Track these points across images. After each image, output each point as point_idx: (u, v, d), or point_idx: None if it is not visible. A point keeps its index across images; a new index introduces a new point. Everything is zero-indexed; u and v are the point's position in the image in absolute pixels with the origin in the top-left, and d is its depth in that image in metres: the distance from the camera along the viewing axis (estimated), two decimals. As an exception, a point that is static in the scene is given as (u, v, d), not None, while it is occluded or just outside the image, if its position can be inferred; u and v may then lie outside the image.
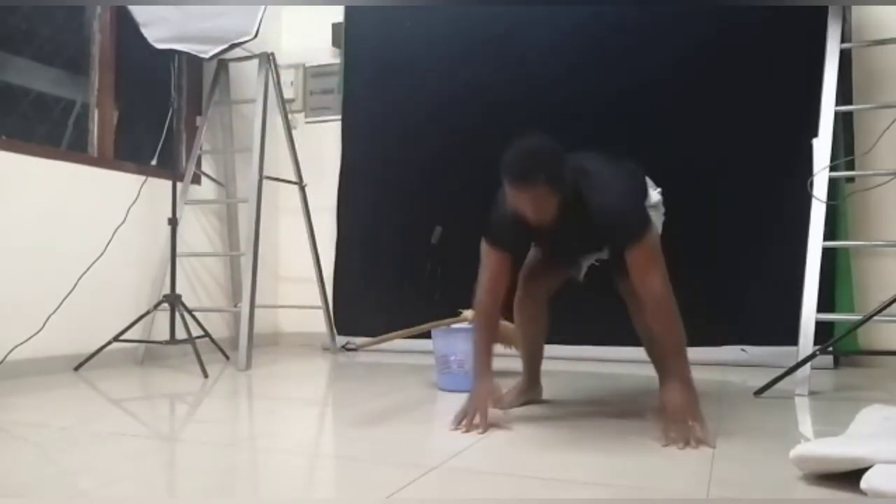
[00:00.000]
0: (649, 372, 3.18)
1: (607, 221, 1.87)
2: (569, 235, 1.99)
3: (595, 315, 3.45)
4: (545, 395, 2.42)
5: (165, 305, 3.23)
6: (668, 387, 1.91)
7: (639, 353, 3.34)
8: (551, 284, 2.30)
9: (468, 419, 1.94)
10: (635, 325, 2.20)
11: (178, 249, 3.31)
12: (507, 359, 3.20)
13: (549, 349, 3.43)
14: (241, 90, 3.99)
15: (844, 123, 3.17)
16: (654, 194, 2.18)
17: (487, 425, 1.93)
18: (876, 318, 2.46)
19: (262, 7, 3.34)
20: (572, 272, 2.32)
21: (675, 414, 1.80)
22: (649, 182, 2.20)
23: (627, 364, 3.33)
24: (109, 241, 3.22)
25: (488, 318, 2.08)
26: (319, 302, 3.86)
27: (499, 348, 2.99)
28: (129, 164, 3.44)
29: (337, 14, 4.19)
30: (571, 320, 3.45)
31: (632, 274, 1.88)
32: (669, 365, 1.94)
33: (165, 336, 3.23)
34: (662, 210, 2.22)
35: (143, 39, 3.23)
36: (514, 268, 2.12)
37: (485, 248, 2.05)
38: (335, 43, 4.25)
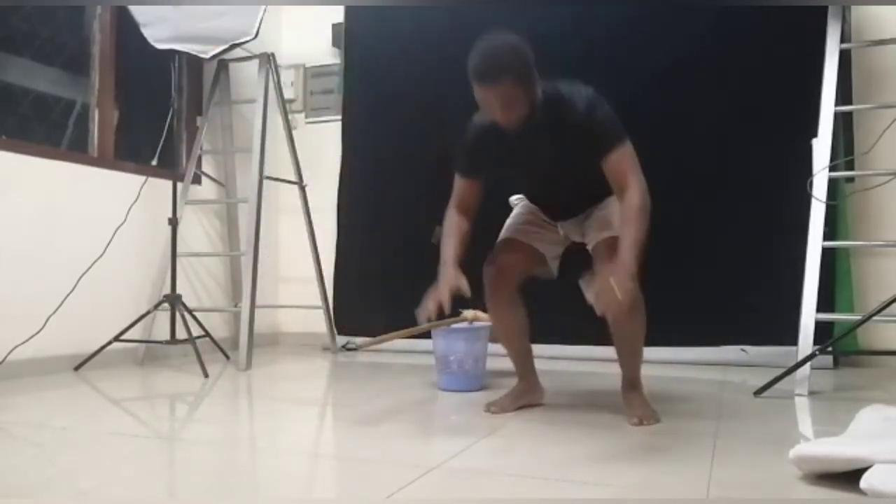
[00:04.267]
0: (649, 371, 3.18)
1: (584, 123, 1.84)
2: (541, 151, 1.94)
3: (594, 315, 3.45)
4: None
5: (166, 305, 3.23)
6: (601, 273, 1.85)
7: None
8: (518, 277, 2.17)
9: (431, 306, 1.88)
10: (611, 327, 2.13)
11: (179, 249, 3.31)
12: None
13: (549, 349, 3.46)
14: (242, 90, 3.99)
15: (844, 123, 3.17)
16: None
17: (448, 305, 1.89)
18: (875, 318, 2.46)
19: (262, 7, 3.34)
20: (543, 268, 2.24)
21: (604, 277, 1.75)
22: None
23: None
24: (109, 241, 3.22)
25: (456, 224, 2.06)
26: (319, 302, 3.86)
27: (499, 348, 3.01)
28: (130, 164, 3.44)
29: (337, 14, 4.19)
30: (571, 320, 3.46)
31: (612, 182, 1.89)
32: (621, 250, 1.83)
33: (166, 336, 3.23)
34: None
35: (143, 39, 3.23)
36: (483, 195, 2.08)
37: (455, 180, 2.06)
38: (335, 43, 4.25)
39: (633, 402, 2.13)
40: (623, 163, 1.87)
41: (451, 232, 2.08)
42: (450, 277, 1.94)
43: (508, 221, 2.27)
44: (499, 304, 2.17)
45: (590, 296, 1.76)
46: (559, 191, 2.12)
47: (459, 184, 2.08)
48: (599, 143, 1.86)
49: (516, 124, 1.85)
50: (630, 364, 2.21)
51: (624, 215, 1.88)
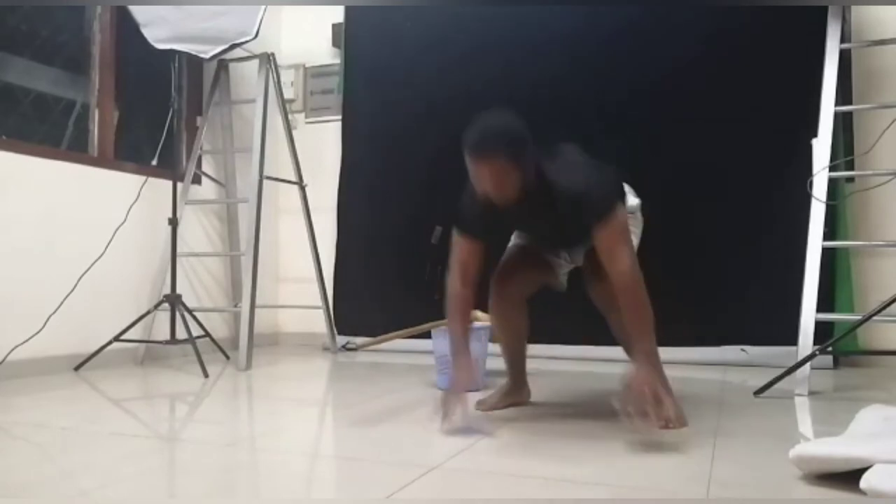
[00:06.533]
0: (649, 372, 3.16)
1: (573, 199, 1.83)
2: (536, 220, 1.97)
3: (595, 315, 3.45)
4: (534, 397, 2.37)
5: (166, 305, 3.23)
6: (633, 364, 1.84)
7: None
8: (526, 287, 2.20)
9: (450, 409, 1.91)
10: (611, 327, 2.14)
11: (179, 249, 3.31)
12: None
13: (549, 349, 3.46)
14: (242, 90, 3.99)
15: (844, 123, 3.17)
16: (633, 199, 2.17)
17: (467, 416, 1.92)
18: (875, 318, 2.46)
19: (262, 7, 3.34)
20: (551, 280, 2.25)
21: (635, 387, 1.72)
22: (628, 189, 2.17)
23: (627, 364, 3.33)
24: (110, 241, 3.22)
25: (460, 302, 2.02)
26: (319, 302, 3.86)
27: (498, 348, 3.01)
28: (130, 164, 3.44)
29: (337, 14, 4.19)
30: (572, 320, 3.46)
31: (600, 253, 1.86)
32: (635, 343, 1.86)
33: (166, 336, 3.23)
34: (641, 218, 2.21)
35: (143, 39, 3.23)
36: (486, 259, 2.04)
37: (455, 237, 2.02)
38: (335, 43, 4.25)
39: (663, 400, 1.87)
40: (610, 233, 1.83)
41: (457, 314, 2.03)
42: (465, 372, 1.98)
43: (504, 256, 2.26)
44: (503, 308, 2.19)
45: (620, 398, 1.77)
46: (560, 243, 2.17)
47: (462, 245, 2.01)
48: (588, 216, 1.84)
49: (507, 202, 1.84)
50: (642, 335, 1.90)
51: (623, 301, 1.85)
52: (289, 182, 3.86)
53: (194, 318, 3.29)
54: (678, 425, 1.84)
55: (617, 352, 3.38)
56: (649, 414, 1.68)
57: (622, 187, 2.11)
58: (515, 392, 2.33)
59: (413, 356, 3.44)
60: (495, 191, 1.81)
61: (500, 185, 1.79)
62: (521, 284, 2.19)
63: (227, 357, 3.52)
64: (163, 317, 3.36)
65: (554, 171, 1.87)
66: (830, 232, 2.88)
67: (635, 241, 2.07)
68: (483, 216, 1.95)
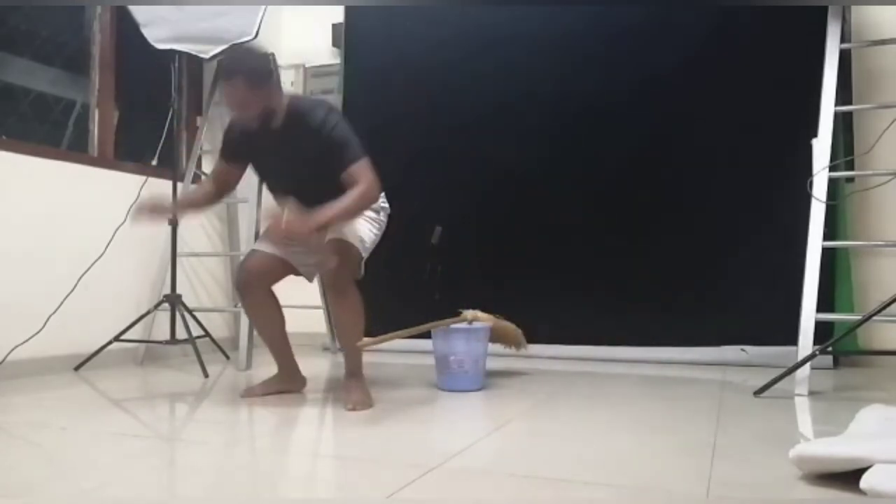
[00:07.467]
0: (648, 372, 3.18)
1: (327, 141, 2.20)
2: (282, 152, 2.27)
3: (594, 315, 3.45)
4: (534, 397, 2.39)
5: (166, 305, 3.23)
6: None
7: (637, 353, 3.37)
8: (269, 279, 2.48)
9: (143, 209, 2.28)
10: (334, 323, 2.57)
11: (179, 249, 3.31)
12: (508, 359, 3.21)
13: (549, 349, 3.46)
14: (241, 90, 3.98)
15: (844, 123, 3.17)
16: (383, 203, 2.50)
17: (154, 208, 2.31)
18: (875, 318, 2.46)
19: (262, 7, 3.34)
20: (294, 272, 2.51)
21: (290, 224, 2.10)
22: (383, 198, 2.49)
23: (626, 364, 3.33)
24: (109, 241, 3.22)
25: (205, 186, 2.51)
26: (319, 302, 3.86)
27: (499, 348, 3.01)
28: (129, 164, 3.44)
29: (337, 14, 4.19)
30: (572, 321, 3.47)
31: (349, 183, 2.19)
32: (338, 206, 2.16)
33: (166, 336, 3.23)
34: (384, 220, 2.53)
35: (143, 39, 3.22)
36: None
37: (216, 163, 2.44)
38: (335, 43, 4.25)
39: (352, 388, 2.33)
40: (359, 172, 2.21)
41: (197, 190, 2.62)
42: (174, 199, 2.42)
43: (261, 235, 2.57)
44: (250, 304, 2.49)
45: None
46: (300, 188, 2.31)
47: (217, 165, 2.47)
48: (340, 157, 2.21)
49: (251, 123, 2.22)
50: (351, 351, 2.40)
51: (347, 194, 2.18)
52: (289, 182, 3.86)
53: (194, 318, 3.29)
54: (364, 407, 2.23)
55: (617, 352, 3.42)
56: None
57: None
58: (284, 380, 2.56)
59: (413, 356, 3.44)
60: (237, 110, 2.20)
61: (241, 105, 2.15)
62: (264, 278, 2.46)
63: (227, 357, 3.52)
64: (163, 317, 3.36)
65: (305, 108, 2.23)
66: (830, 232, 2.87)
67: (371, 240, 2.44)
68: (236, 141, 2.35)
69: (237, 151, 2.41)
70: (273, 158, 2.35)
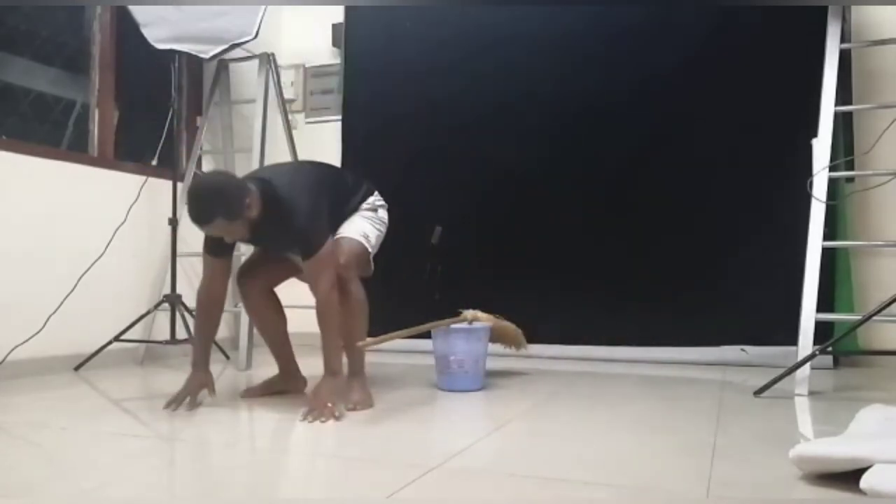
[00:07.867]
0: (648, 372, 3.19)
1: (291, 237, 2.22)
2: (270, 238, 2.31)
3: (594, 315, 3.46)
4: (535, 397, 2.38)
5: (166, 305, 3.23)
6: (322, 378, 2.22)
7: (637, 353, 3.38)
8: (270, 279, 2.54)
9: (178, 401, 2.23)
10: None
11: (179, 249, 3.31)
12: (508, 359, 3.21)
13: (549, 349, 3.46)
14: (242, 90, 3.99)
15: (844, 123, 3.17)
16: (378, 201, 2.53)
17: (196, 405, 2.26)
18: (875, 318, 2.46)
19: (263, 7, 3.34)
20: (296, 272, 2.49)
21: (314, 400, 2.13)
22: (378, 196, 2.54)
23: (626, 364, 3.33)
24: (109, 241, 3.22)
25: (205, 310, 2.40)
26: (319, 302, 3.85)
27: (499, 348, 3.01)
28: (130, 164, 3.44)
29: (337, 14, 4.19)
30: (572, 321, 3.47)
31: (307, 278, 2.24)
32: (325, 356, 2.21)
33: (166, 336, 3.23)
34: (384, 216, 2.55)
35: (143, 39, 3.23)
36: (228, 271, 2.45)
37: (204, 257, 2.39)
38: (335, 43, 4.25)
39: (353, 388, 2.32)
40: (315, 266, 2.19)
41: (200, 330, 2.44)
42: (198, 380, 2.33)
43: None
44: (252, 304, 2.54)
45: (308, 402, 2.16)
46: (287, 251, 2.44)
47: (207, 262, 2.39)
48: (302, 252, 2.21)
49: (241, 239, 2.26)
50: (353, 351, 2.40)
51: (319, 322, 2.21)
52: (289, 182, 3.85)
53: (194, 318, 3.28)
54: (364, 407, 2.24)
55: (617, 352, 3.42)
56: (325, 415, 2.04)
57: (344, 185, 2.48)
58: (284, 381, 2.56)
59: (413, 356, 3.44)
60: (229, 238, 2.22)
61: (229, 234, 2.19)
62: (265, 279, 2.50)
63: (227, 357, 3.51)
64: (163, 317, 3.36)
65: (277, 206, 2.18)
66: (830, 232, 2.87)
67: (375, 235, 2.47)
68: (220, 241, 2.29)
69: (222, 245, 2.34)
70: (254, 240, 2.36)
